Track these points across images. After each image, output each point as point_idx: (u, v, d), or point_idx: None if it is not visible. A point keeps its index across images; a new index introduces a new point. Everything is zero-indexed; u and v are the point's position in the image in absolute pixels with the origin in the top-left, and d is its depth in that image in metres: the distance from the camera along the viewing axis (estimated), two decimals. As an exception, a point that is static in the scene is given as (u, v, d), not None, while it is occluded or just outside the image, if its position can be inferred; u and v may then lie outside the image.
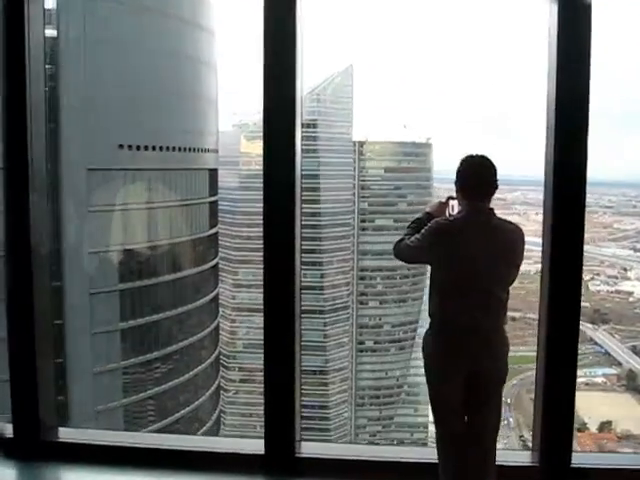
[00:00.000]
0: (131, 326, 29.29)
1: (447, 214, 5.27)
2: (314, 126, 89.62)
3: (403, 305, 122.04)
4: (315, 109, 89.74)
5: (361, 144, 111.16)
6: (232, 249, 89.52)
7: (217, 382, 39.39)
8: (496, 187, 5.19)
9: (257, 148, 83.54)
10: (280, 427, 6.06)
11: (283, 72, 5.60)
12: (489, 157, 5.16)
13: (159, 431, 31.34)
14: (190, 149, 32.04)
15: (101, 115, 27.58)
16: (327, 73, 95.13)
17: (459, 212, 5.16)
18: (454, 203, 5.29)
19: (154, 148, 29.33)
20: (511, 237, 5.37)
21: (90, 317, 27.82)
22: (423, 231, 5.03)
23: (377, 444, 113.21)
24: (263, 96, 5.63)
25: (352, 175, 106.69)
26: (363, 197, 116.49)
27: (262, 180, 6.14)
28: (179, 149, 30.99)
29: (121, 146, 28.18)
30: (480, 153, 5.14)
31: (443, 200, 5.42)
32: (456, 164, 5.21)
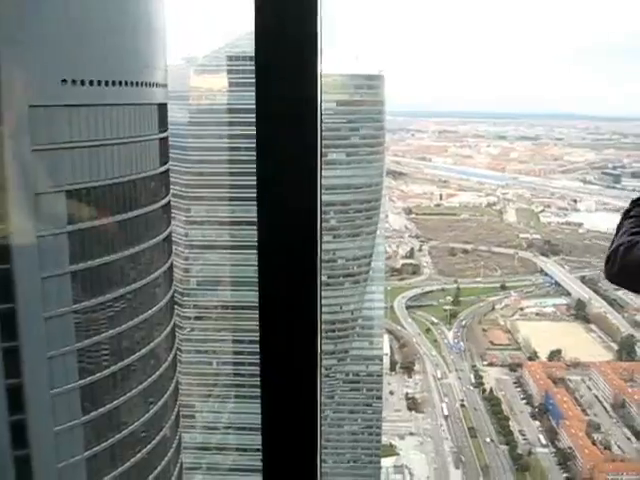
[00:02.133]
0: (82, 268, 28.89)
1: None
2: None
3: (357, 239, 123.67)
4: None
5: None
6: (183, 186, 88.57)
7: (173, 321, 39.47)
8: None
9: (207, 82, 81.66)
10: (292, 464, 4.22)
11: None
12: None
13: (115, 373, 31.57)
14: (138, 83, 31.09)
15: (43, 49, 26.44)
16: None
17: None
18: None
19: (99, 83, 28.37)
20: None
21: (38, 261, 27.34)
22: None
23: (332, 377, 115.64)
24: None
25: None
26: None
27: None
28: (126, 83, 30.04)
29: (64, 81, 27.14)
30: None
31: None
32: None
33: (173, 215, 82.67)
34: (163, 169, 34.84)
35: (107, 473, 32.38)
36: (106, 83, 28.93)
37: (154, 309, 34.94)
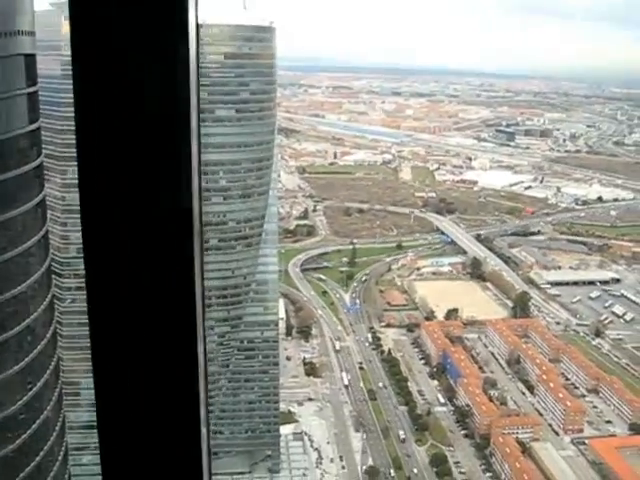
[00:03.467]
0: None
1: None
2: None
3: (248, 200, 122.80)
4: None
5: (198, 27, 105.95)
6: (59, 145, 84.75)
7: (51, 293, 37.87)
8: None
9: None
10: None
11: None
12: None
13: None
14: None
15: None
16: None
17: None
18: None
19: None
20: None
21: None
22: None
23: (226, 345, 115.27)
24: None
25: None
26: (202, 86, 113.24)
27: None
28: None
29: None
30: None
31: None
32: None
33: (48, 178, 79.28)
34: (33, 127, 32.94)
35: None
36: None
37: (28, 281, 33.38)
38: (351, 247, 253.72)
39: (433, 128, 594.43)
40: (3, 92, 30.09)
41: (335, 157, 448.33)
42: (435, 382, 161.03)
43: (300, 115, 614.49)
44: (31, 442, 35.69)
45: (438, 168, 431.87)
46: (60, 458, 39.91)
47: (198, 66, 2.97)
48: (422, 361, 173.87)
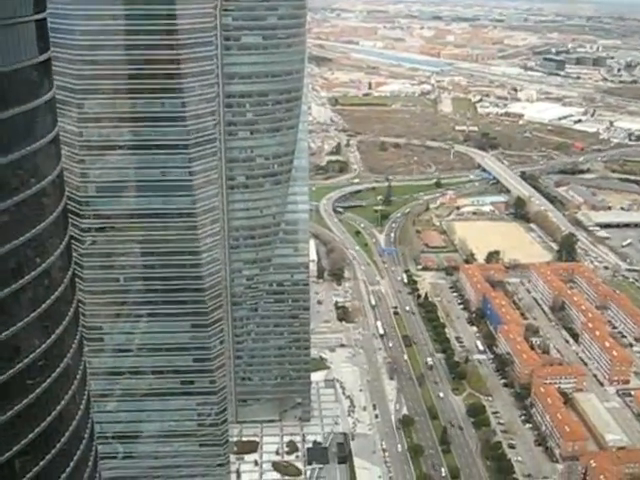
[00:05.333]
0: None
1: None
2: None
3: (277, 135, 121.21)
4: None
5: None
6: (73, 77, 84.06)
7: (68, 234, 37.65)
8: None
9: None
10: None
11: None
12: None
13: (1, 301, 30.04)
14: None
15: None
16: None
17: None
18: None
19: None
20: None
21: None
22: None
23: (255, 288, 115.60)
24: None
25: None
26: (226, 10, 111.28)
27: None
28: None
29: None
30: None
31: None
32: None
33: (63, 112, 78.67)
34: (43, 58, 32.04)
35: (2, 413, 31.38)
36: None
37: (43, 224, 33.07)
38: (386, 184, 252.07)
39: (476, 56, 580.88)
40: (7, 19, 29.06)
41: (370, 87, 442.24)
42: (474, 328, 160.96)
43: (332, 42, 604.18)
44: (52, 390, 36.06)
45: (481, 100, 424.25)
46: (82, 406, 40.47)
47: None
48: (460, 306, 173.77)
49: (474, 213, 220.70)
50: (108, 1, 79.66)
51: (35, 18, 31.32)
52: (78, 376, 38.77)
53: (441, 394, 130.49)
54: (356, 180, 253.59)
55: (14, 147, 29.87)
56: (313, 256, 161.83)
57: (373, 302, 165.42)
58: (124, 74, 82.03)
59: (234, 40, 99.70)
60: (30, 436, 33.25)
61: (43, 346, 34.01)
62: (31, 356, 33.02)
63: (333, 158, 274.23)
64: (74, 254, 40.46)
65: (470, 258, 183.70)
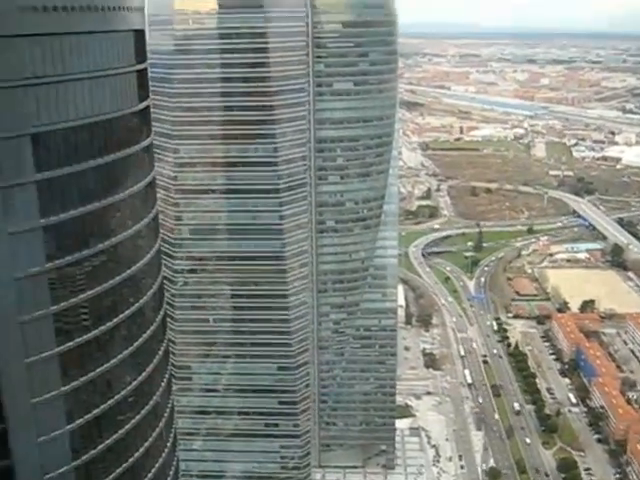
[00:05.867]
0: (54, 222, 28.09)
1: None
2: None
3: (367, 179, 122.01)
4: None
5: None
6: (170, 123, 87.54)
7: (161, 275, 39.02)
8: None
9: (193, 4, 79.66)
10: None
11: None
12: None
13: (97, 337, 31.21)
14: (109, 7, 29.84)
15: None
16: None
17: None
18: None
19: (65, 9, 27.13)
20: None
21: (4, 215, 26.57)
22: None
23: (341, 332, 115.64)
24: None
25: (305, 32, 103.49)
26: (318, 57, 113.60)
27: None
28: (96, 8, 28.81)
29: (23, 8, 26.01)
30: None
31: None
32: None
33: (160, 157, 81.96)
34: (143, 106, 33.72)
35: (93, 447, 32.41)
36: (72, 8, 27.65)
37: (139, 264, 34.40)
38: (477, 230, 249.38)
39: (571, 99, 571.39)
40: (111, 69, 30.80)
41: (461, 132, 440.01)
42: (566, 380, 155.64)
43: (424, 87, 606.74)
44: (141, 426, 37.04)
45: (576, 144, 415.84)
46: (169, 443, 41.37)
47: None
48: (552, 356, 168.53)
49: (568, 260, 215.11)
50: (205, 51, 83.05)
51: (136, 68, 33.10)
52: (166, 414, 39.72)
53: (530, 447, 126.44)
54: (446, 225, 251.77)
55: (113, 190, 31.36)
56: (401, 301, 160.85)
57: (461, 350, 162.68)
58: (219, 120, 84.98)
59: (326, 86, 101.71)
60: (118, 470, 34.17)
61: (134, 383, 35.09)
62: (123, 392, 34.09)
63: (423, 203, 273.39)
64: (166, 294, 41.86)
65: (563, 307, 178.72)
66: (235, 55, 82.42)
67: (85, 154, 29.35)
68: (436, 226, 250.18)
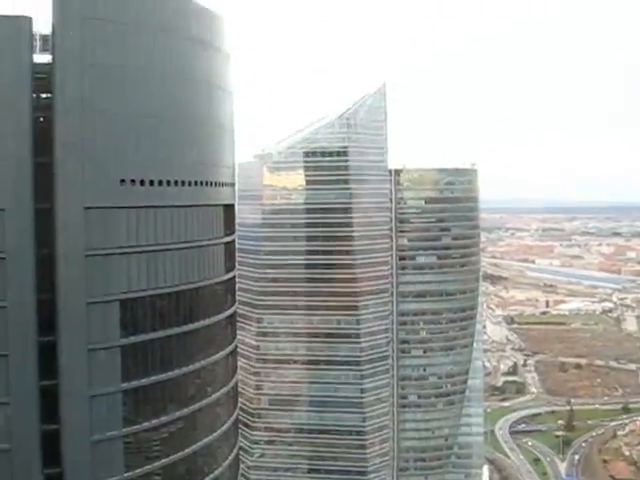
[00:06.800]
0: (134, 387, 28.48)
1: None
2: (344, 154, 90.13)
3: (451, 353, 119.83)
4: (345, 135, 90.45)
5: (397, 172, 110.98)
6: (255, 293, 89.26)
7: (237, 446, 38.39)
8: None
9: (282, 180, 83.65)
10: None
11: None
12: None
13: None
14: (202, 183, 31.68)
15: (100, 147, 27.26)
16: (357, 95, 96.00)
17: None
18: None
19: (160, 183, 28.95)
20: None
21: (87, 377, 27.12)
22: None
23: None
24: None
25: (388, 208, 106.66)
26: (402, 232, 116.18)
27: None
28: (189, 183, 30.62)
29: (123, 181, 27.87)
30: None
31: None
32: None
33: (243, 325, 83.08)
34: (229, 276, 34.75)
35: None
36: (167, 183, 29.45)
37: (216, 433, 34.08)
38: (568, 408, 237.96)
39: None
40: (201, 241, 32.28)
41: (547, 306, 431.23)
42: None
43: (507, 260, 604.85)
44: None
45: None
46: None
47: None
48: None
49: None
50: (291, 225, 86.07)
51: (224, 240, 34.50)
52: None
53: None
54: (534, 403, 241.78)
55: (195, 358, 31.78)
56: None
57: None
58: (303, 291, 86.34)
59: (409, 259, 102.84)
60: None
61: None
62: None
63: (509, 379, 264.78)
64: (241, 466, 40.95)
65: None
66: (320, 229, 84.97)
67: (170, 321, 30.20)
68: (524, 403, 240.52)
